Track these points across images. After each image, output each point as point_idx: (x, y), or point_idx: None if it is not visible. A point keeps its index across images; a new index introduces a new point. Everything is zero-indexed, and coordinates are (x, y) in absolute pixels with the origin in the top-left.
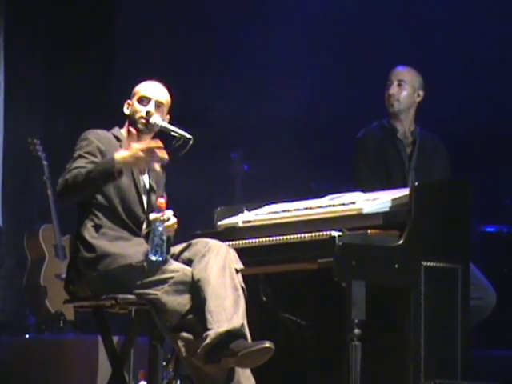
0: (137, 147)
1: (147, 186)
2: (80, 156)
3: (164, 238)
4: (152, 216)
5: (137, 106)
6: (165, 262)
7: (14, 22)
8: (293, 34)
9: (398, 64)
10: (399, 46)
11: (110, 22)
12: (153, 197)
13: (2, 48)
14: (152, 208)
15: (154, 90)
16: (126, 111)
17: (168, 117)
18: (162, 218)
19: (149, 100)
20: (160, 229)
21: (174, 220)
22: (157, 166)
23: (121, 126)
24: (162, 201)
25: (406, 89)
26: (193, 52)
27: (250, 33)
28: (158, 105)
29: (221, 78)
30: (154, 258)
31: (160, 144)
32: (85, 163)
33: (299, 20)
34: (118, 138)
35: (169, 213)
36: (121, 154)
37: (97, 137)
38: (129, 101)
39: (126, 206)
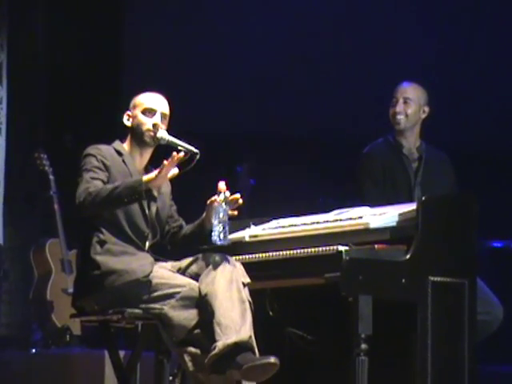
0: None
1: (149, 198)
2: (91, 170)
3: (225, 219)
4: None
5: (141, 117)
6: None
7: (15, 33)
8: (301, 49)
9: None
10: (403, 62)
11: (119, 33)
12: (153, 207)
13: (5, 62)
14: (154, 217)
15: (158, 102)
16: (127, 123)
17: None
18: (219, 199)
19: (154, 112)
20: (220, 212)
21: (236, 195)
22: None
23: (121, 139)
24: (222, 184)
25: (411, 106)
26: (200, 67)
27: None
28: (163, 116)
29: (229, 91)
30: (219, 243)
31: (181, 155)
32: (100, 176)
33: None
34: (119, 153)
35: (227, 193)
36: (148, 176)
37: (99, 152)
38: (129, 112)
39: (131, 221)
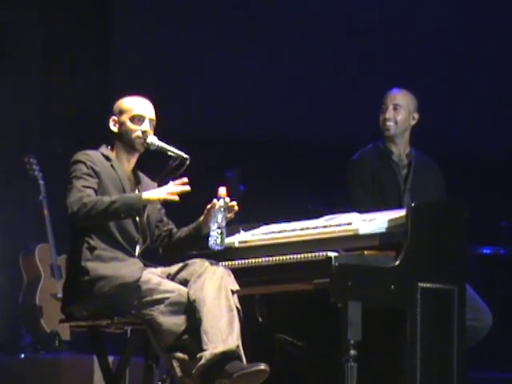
0: (167, 191)
1: None
2: (82, 177)
3: (223, 225)
4: (211, 204)
5: (130, 125)
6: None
7: (10, 37)
8: (292, 52)
9: (393, 86)
10: (395, 68)
11: (107, 37)
12: (143, 212)
13: None
14: (144, 222)
15: (146, 108)
16: (114, 128)
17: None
18: (219, 205)
19: (143, 119)
20: (219, 217)
21: (233, 203)
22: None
23: (107, 143)
24: (223, 189)
25: (401, 113)
26: (188, 72)
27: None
28: (151, 122)
29: (218, 97)
30: (215, 249)
31: (188, 188)
32: (91, 183)
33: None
34: (107, 158)
35: (227, 199)
36: (148, 195)
37: (88, 158)
38: (114, 117)
39: (121, 227)
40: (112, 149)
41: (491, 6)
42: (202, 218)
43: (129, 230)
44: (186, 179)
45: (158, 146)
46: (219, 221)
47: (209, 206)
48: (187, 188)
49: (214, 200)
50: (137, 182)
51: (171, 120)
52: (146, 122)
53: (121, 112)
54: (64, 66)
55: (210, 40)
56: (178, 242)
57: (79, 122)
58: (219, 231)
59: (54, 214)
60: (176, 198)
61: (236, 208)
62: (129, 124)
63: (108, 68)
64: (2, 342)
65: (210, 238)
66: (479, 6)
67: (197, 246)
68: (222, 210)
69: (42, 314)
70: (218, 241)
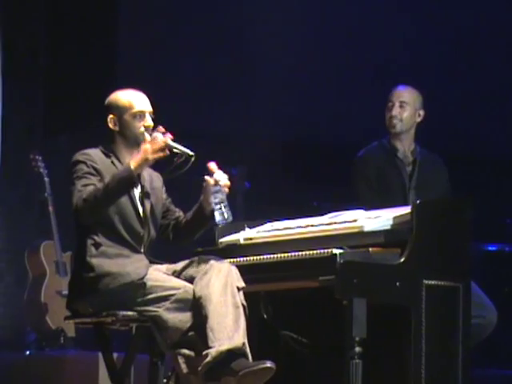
0: (147, 148)
1: (142, 196)
2: (83, 177)
3: (223, 198)
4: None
5: (133, 122)
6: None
7: (14, 35)
8: (296, 51)
9: (399, 83)
10: (402, 65)
11: (112, 34)
12: (147, 204)
13: (0, 61)
14: (149, 215)
15: (145, 103)
16: (114, 128)
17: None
18: (213, 180)
19: (144, 114)
20: (218, 192)
21: (224, 176)
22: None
23: (107, 140)
24: (213, 164)
25: (407, 110)
26: (193, 68)
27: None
28: (151, 115)
29: (224, 93)
30: (223, 223)
31: (170, 136)
32: (93, 181)
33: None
34: (107, 155)
35: (219, 174)
36: (134, 160)
37: (88, 157)
38: (112, 116)
39: (125, 222)
40: (112, 145)
41: (497, 4)
42: (201, 197)
43: (133, 226)
44: (161, 127)
45: None
46: (218, 196)
47: (204, 184)
48: (169, 136)
49: (206, 177)
50: (139, 176)
51: (176, 116)
52: (147, 116)
53: (118, 110)
54: (68, 62)
55: (211, 39)
56: (186, 226)
57: (84, 119)
58: (221, 206)
59: (58, 211)
60: (165, 153)
61: (222, 183)
62: (131, 122)
63: (113, 64)
64: (7, 339)
65: (215, 215)
66: (484, 5)
67: (203, 226)
68: (218, 184)
69: (47, 310)
70: (225, 215)
